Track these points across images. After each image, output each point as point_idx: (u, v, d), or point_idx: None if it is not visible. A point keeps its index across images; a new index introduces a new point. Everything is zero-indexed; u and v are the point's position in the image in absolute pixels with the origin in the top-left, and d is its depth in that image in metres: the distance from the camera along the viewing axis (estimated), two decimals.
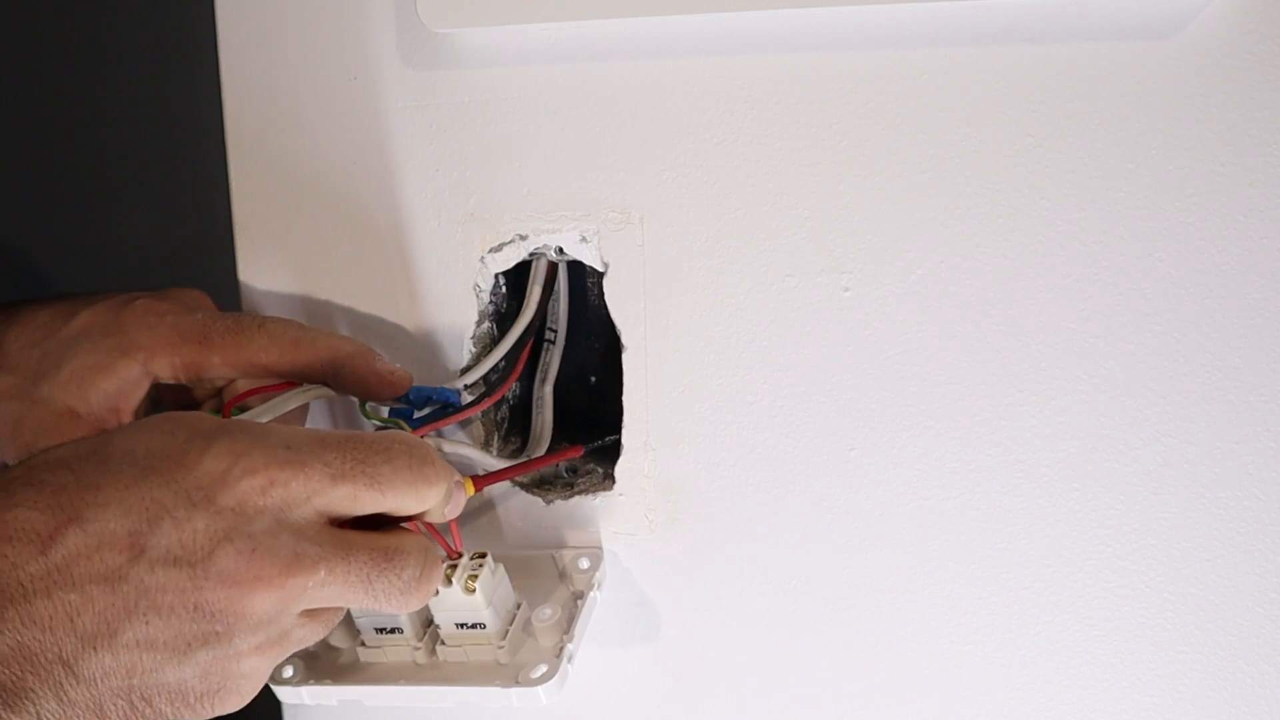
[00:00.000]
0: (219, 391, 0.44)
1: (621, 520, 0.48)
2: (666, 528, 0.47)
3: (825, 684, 0.48)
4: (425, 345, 0.47)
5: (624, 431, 0.47)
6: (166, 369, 0.42)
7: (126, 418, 0.42)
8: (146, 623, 0.30)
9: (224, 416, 0.40)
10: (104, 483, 0.31)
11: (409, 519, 0.37)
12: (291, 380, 0.42)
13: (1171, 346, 0.41)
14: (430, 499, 0.36)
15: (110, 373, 0.41)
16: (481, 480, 0.40)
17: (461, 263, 0.47)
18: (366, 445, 0.34)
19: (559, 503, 0.48)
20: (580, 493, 0.48)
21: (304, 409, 0.46)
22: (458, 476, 0.38)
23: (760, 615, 0.47)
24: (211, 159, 0.49)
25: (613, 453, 0.48)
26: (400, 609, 0.36)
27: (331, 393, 0.43)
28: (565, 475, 0.50)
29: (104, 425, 0.41)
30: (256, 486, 0.32)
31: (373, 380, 0.42)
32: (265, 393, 0.42)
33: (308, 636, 0.35)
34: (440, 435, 0.47)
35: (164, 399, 0.45)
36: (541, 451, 0.49)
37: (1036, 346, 0.42)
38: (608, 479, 0.48)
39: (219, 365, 0.41)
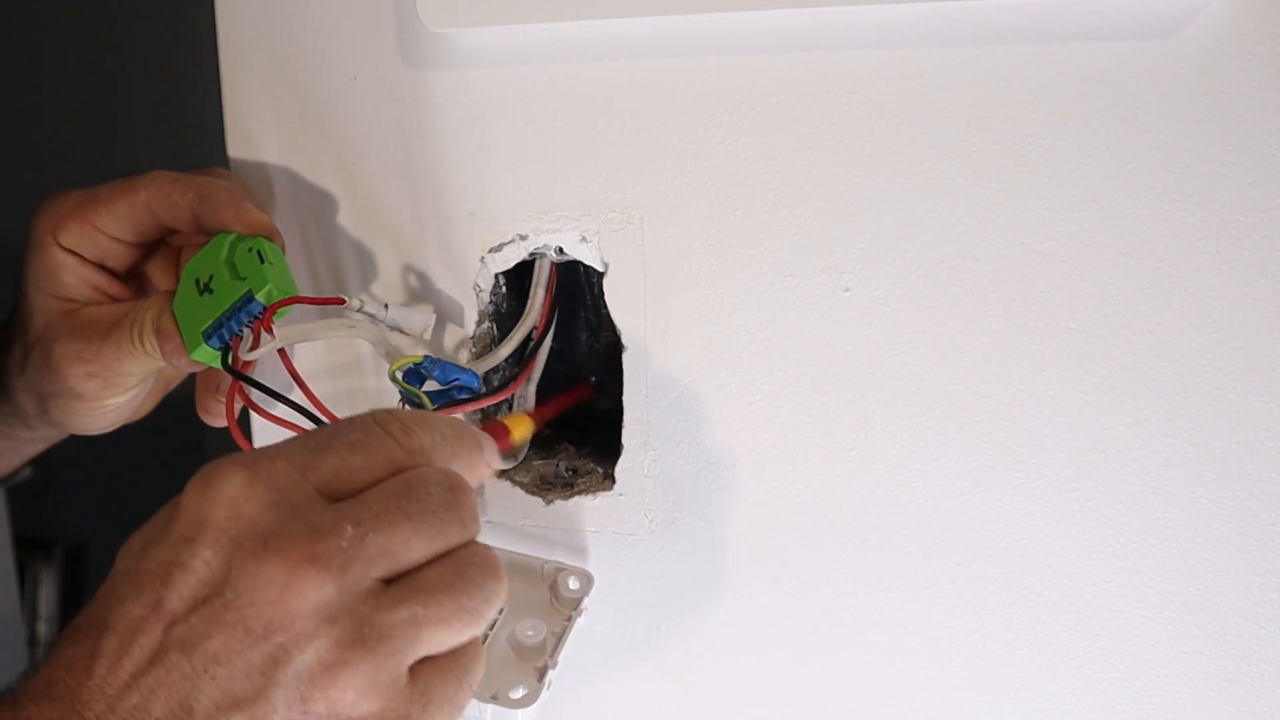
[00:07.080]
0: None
1: (621, 520, 0.48)
2: (666, 528, 0.47)
3: (825, 684, 0.48)
4: (425, 344, 0.47)
5: (624, 431, 0.47)
6: (72, 236, 0.43)
7: (104, 285, 0.45)
8: (213, 677, 0.28)
9: (266, 316, 0.39)
10: (115, 585, 0.30)
11: None
12: (202, 235, 0.43)
13: (1171, 346, 0.41)
14: (471, 523, 0.32)
15: (44, 272, 0.44)
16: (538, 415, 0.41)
17: (461, 263, 0.47)
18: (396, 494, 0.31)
19: (559, 503, 0.48)
20: (580, 493, 0.48)
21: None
22: (484, 443, 0.35)
23: (760, 615, 0.47)
24: (212, 159, 0.49)
25: (613, 453, 0.48)
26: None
27: (371, 331, 0.43)
28: (565, 475, 0.49)
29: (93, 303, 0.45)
30: (238, 492, 0.30)
31: (230, 212, 0.42)
32: (308, 303, 0.42)
33: (420, 629, 0.30)
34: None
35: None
36: (523, 454, 0.47)
37: (1036, 346, 0.42)
38: (608, 479, 0.48)
39: (107, 215, 0.43)
